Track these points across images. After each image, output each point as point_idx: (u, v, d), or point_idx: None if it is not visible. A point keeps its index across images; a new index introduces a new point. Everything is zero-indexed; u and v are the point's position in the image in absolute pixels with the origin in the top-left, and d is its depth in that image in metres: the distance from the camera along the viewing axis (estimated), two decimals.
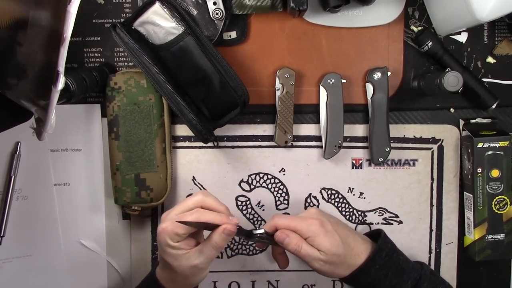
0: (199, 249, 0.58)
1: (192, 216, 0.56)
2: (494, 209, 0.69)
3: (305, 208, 0.73)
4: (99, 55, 0.70)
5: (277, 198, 0.72)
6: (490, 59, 0.71)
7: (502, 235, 0.69)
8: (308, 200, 0.72)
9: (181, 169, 0.72)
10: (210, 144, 0.71)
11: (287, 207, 0.73)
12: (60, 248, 0.71)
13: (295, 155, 0.72)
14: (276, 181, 0.72)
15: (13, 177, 0.68)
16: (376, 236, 0.66)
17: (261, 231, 0.61)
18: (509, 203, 0.69)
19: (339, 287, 0.74)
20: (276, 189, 0.72)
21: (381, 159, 0.70)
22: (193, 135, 0.66)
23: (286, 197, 0.72)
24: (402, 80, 0.71)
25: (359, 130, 0.72)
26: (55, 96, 0.50)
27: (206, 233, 0.59)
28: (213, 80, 0.65)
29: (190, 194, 0.72)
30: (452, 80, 0.62)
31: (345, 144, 0.71)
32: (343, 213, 0.73)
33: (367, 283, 0.62)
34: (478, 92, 0.69)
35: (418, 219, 0.73)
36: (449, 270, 0.73)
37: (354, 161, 0.72)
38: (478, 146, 0.68)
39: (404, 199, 0.72)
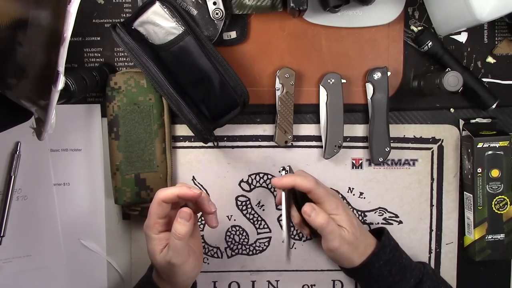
0: (168, 244, 0.57)
1: (153, 200, 0.57)
2: (494, 209, 0.69)
3: None
4: (99, 55, 0.70)
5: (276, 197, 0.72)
6: (490, 59, 0.71)
7: (502, 235, 0.69)
8: None
9: (181, 169, 0.72)
10: (210, 144, 0.71)
11: None
12: (60, 248, 0.71)
13: (295, 155, 0.72)
14: None
15: (13, 177, 0.68)
16: (378, 234, 0.66)
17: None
18: (509, 203, 0.69)
19: (339, 287, 0.74)
20: (276, 189, 0.72)
21: (381, 159, 0.70)
22: (193, 135, 0.66)
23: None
24: (402, 80, 0.71)
25: (359, 130, 0.72)
26: (55, 96, 0.50)
27: None
28: (213, 80, 0.65)
29: None
30: (452, 80, 0.62)
31: (345, 144, 0.71)
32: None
33: (370, 278, 0.63)
34: (478, 92, 0.69)
35: (418, 219, 0.73)
36: (449, 270, 0.73)
37: (354, 161, 0.72)
38: (478, 146, 0.68)
39: (404, 199, 0.72)
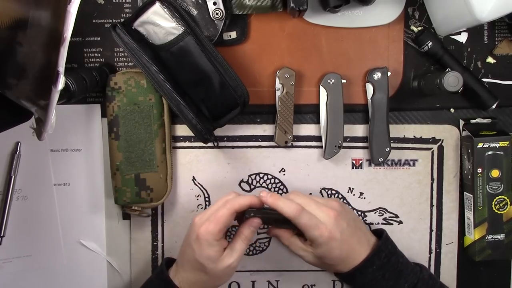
0: (231, 247, 0.60)
1: (225, 209, 0.59)
2: (494, 209, 0.69)
3: None
4: (99, 55, 0.70)
5: None
6: (490, 59, 0.71)
7: (502, 235, 0.69)
8: None
9: (181, 169, 0.72)
10: (210, 144, 0.71)
11: None
12: (60, 248, 0.71)
13: (295, 155, 0.72)
14: (276, 181, 0.72)
15: (13, 177, 0.68)
16: (379, 234, 0.66)
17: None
18: (509, 203, 0.69)
19: (339, 287, 0.74)
20: (276, 189, 0.72)
21: (381, 159, 0.70)
22: (193, 135, 0.66)
23: None
24: (402, 80, 0.71)
25: (359, 130, 0.72)
26: (55, 96, 0.50)
27: None
28: (213, 80, 0.65)
29: (190, 194, 0.72)
30: (452, 80, 0.62)
31: (345, 144, 0.71)
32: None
33: (364, 283, 0.63)
34: (478, 92, 0.69)
35: (418, 219, 0.73)
36: (449, 270, 0.73)
37: (354, 161, 0.72)
38: (478, 146, 0.68)
39: (404, 199, 0.72)
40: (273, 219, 0.62)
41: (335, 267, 0.63)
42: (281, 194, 0.72)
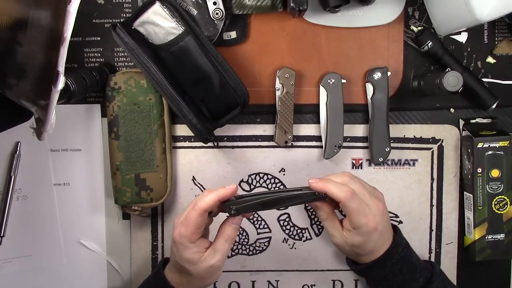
0: (213, 247, 0.59)
1: (193, 210, 0.57)
2: (494, 209, 0.69)
3: (305, 208, 0.73)
4: (99, 55, 0.70)
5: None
6: (490, 59, 0.71)
7: (502, 235, 0.69)
8: None
9: (181, 169, 0.72)
10: (210, 144, 0.71)
11: (286, 207, 0.73)
12: (60, 248, 0.71)
13: (295, 155, 0.72)
14: (276, 181, 0.72)
15: (13, 177, 0.68)
16: (393, 229, 0.66)
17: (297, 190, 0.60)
18: (509, 203, 0.69)
19: (339, 287, 0.74)
20: (276, 189, 0.72)
21: (381, 159, 0.70)
22: (193, 135, 0.66)
23: None
24: (402, 80, 0.71)
25: (359, 130, 0.72)
26: (55, 96, 0.50)
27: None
28: (213, 80, 0.65)
29: (190, 194, 0.72)
30: (452, 80, 0.62)
31: (345, 144, 0.71)
32: (343, 213, 0.72)
33: (381, 277, 0.63)
34: (478, 92, 0.69)
35: (418, 219, 0.73)
36: (449, 270, 0.73)
37: (354, 161, 0.72)
38: (478, 146, 0.68)
39: (404, 199, 0.72)
40: (256, 204, 0.58)
41: (361, 257, 0.62)
42: None
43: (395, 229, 0.65)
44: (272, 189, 0.72)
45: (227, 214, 0.59)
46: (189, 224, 0.57)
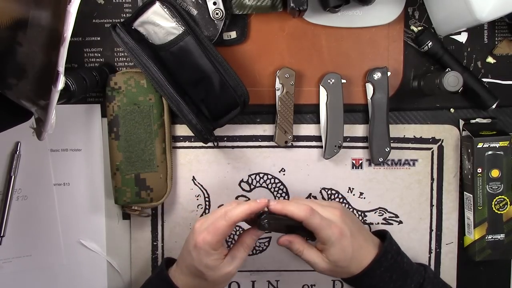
0: (231, 255, 0.60)
1: (224, 220, 0.57)
2: (494, 209, 0.69)
3: None
4: (99, 55, 0.70)
5: (277, 198, 0.72)
6: (490, 59, 0.71)
7: (502, 235, 0.69)
8: None
9: (181, 169, 0.72)
10: (210, 144, 0.71)
11: None
12: (60, 248, 0.71)
13: (295, 155, 0.72)
14: (276, 181, 0.72)
15: (13, 177, 0.68)
16: (381, 235, 0.65)
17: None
18: (509, 203, 0.69)
19: (339, 287, 0.74)
20: (276, 189, 0.72)
21: (381, 159, 0.70)
22: (193, 135, 0.66)
23: (286, 197, 0.72)
24: (402, 80, 0.71)
25: (359, 130, 0.72)
26: (55, 96, 0.50)
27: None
28: (213, 80, 0.65)
29: (190, 194, 0.72)
30: (452, 80, 0.62)
31: (345, 144, 0.71)
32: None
33: (371, 285, 0.62)
34: (478, 92, 0.69)
35: (418, 219, 0.73)
36: (449, 270, 0.73)
37: (354, 161, 0.72)
38: (478, 146, 0.68)
39: (404, 199, 0.72)
40: (284, 225, 0.61)
41: (348, 269, 0.61)
42: (280, 194, 0.72)
43: (385, 235, 0.65)
44: (272, 189, 0.72)
45: (249, 225, 0.62)
46: (217, 233, 0.57)
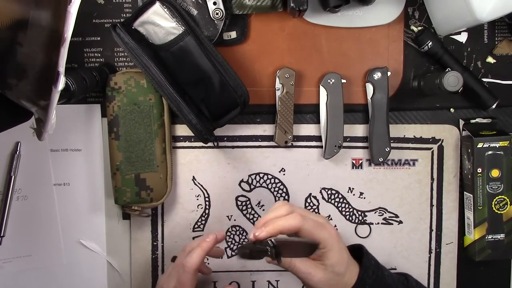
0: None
1: (185, 273, 0.57)
2: (494, 209, 0.69)
3: (305, 208, 0.73)
4: (99, 55, 0.70)
5: (277, 198, 0.73)
6: (490, 59, 0.71)
7: (502, 235, 0.69)
8: (308, 200, 0.72)
9: (181, 169, 0.72)
10: (210, 144, 0.71)
11: None
12: (60, 248, 0.71)
13: (295, 155, 0.72)
14: (276, 181, 0.72)
15: (13, 177, 0.68)
16: (356, 252, 0.62)
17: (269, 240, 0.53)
18: (509, 203, 0.69)
19: None
20: (276, 189, 0.72)
21: (381, 159, 0.70)
22: (193, 135, 0.66)
23: (286, 197, 0.72)
24: (402, 80, 0.71)
25: (359, 130, 0.72)
26: (55, 96, 0.50)
27: None
28: (213, 80, 0.65)
29: (190, 194, 0.72)
30: (452, 80, 0.62)
31: (345, 144, 0.71)
32: (343, 213, 0.73)
33: None
34: (478, 92, 0.69)
35: (418, 219, 0.73)
36: (449, 270, 0.73)
37: (354, 161, 0.72)
38: (478, 146, 0.68)
39: (404, 199, 0.72)
40: (256, 251, 0.52)
41: (343, 278, 0.57)
42: (280, 194, 0.72)
43: (361, 250, 0.62)
44: (273, 189, 0.72)
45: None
46: (186, 285, 0.57)
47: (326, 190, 0.72)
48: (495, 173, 0.68)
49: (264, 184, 0.72)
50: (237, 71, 0.65)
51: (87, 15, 0.69)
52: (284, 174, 0.72)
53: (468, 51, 0.71)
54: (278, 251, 0.50)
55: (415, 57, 0.71)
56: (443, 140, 0.72)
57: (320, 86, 0.69)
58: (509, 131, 0.72)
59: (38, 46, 0.52)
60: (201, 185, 0.72)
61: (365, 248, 0.63)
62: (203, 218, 0.72)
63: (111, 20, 0.69)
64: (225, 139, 0.72)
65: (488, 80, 0.71)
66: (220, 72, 0.64)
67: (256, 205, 0.72)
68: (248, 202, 0.72)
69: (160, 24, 0.64)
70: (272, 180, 0.72)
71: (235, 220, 0.72)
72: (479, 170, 0.68)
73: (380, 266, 0.62)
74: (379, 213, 0.73)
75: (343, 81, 0.69)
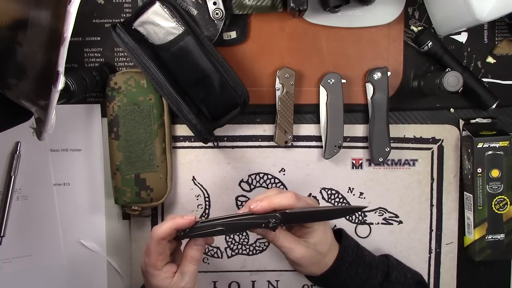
0: (180, 271, 0.58)
1: (150, 239, 0.57)
2: (494, 209, 0.69)
3: None
4: (99, 55, 0.70)
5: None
6: (490, 59, 0.71)
7: (502, 235, 0.69)
8: None
9: (181, 169, 0.72)
10: (210, 144, 0.71)
11: None
12: (60, 248, 0.71)
13: (295, 155, 0.72)
14: (276, 181, 0.72)
15: (13, 177, 0.68)
16: (337, 236, 0.66)
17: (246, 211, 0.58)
18: (509, 203, 0.69)
19: None
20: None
21: (381, 159, 0.70)
22: (193, 135, 0.66)
23: None
24: (402, 80, 0.71)
25: (359, 130, 0.72)
26: (55, 96, 0.50)
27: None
28: (213, 80, 0.65)
29: (190, 194, 0.72)
30: (452, 80, 0.62)
31: (345, 144, 0.71)
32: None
33: (339, 283, 0.63)
34: (478, 92, 0.69)
35: (418, 219, 0.73)
36: (449, 270, 0.73)
37: (354, 161, 0.72)
38: (478, 146, 0.68)
39: (404, 199, 0.72)
40: (228, 225, 0.57)
41: (324, 258, 0.62)
42: None
43: (341, 232, 0.67)
44: (273, 186, 0.72)
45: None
46: (150, 253, 0.57)
47: (326, 190, 0.72)
48: (495, 173, 0.68)
49: (264, 184, 0.72)
50: (237, 71, 0.65)
51: (87, 15, 0.69)
52: (284, 174, 0.72)
53: (468, 51, 0.71)
54: (285, 218, 0.57)
55: (415, 57, 0.71)
56: (443, 140, 0.72)
57: (320, 86, 0.69)
58: (509, 131, 0.71)
59: (37, 46, 0.52)
60: (201, 185, 0.72)
61: (345, 231, 0.68)
62: (203, 218, 0.72)
63: (111, 20, 0.69)
64: (225, 139, 0.72)
65: (488, 80, 0.71)
66: (220, 72, 0.64)
67: None
68: None
69: (160, 24, 0.64)
70: (272, 180, 0.72)
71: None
72: (479, 170, 0.68)
73: (360, 247, 0.66)
74: (379, 213, 0.73)
75: (343, 81, 0.69)
